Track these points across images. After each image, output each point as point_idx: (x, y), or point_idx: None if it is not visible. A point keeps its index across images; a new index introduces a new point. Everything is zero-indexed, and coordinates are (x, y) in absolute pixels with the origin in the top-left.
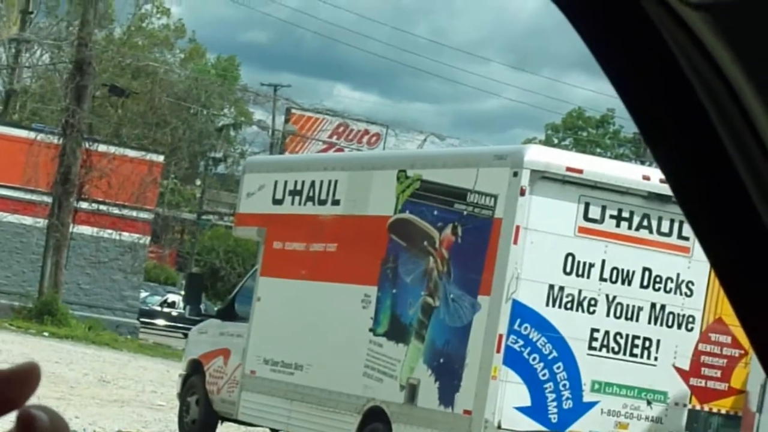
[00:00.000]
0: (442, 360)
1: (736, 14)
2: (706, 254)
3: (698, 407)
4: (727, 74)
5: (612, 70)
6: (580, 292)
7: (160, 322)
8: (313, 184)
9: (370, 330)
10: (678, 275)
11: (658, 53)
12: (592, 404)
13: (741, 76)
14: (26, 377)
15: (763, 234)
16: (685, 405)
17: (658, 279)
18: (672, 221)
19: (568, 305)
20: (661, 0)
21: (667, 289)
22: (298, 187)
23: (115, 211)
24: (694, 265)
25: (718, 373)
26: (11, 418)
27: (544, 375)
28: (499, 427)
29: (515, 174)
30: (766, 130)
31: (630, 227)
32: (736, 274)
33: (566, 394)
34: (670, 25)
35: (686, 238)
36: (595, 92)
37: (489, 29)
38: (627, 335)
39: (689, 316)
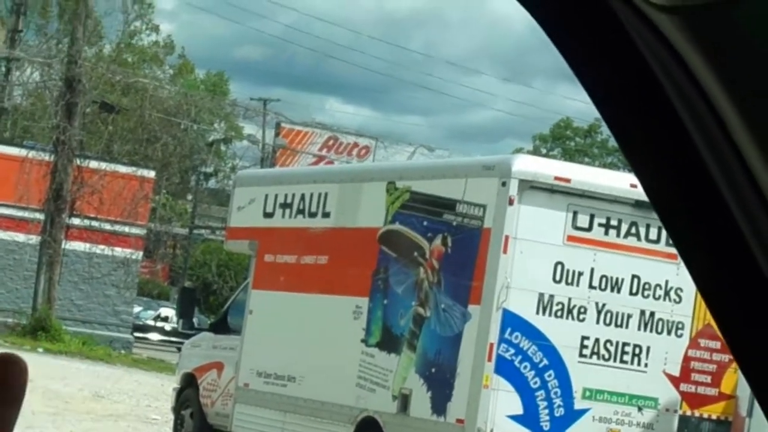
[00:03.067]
0: (433, 369)
1: (704, 16)
2: (685, 262)
3: (689, 413)
4: (699, 78)
5: (585, 76)
6: (569, 300)
7: (154, 336)
8: (303, 196)
9: (362, 341)
10: (666, 282)
11: (629, 58)
12: (583, 411)
13: (712, 79)
14: None
15: (740, 239)
16: (675, 411)
17: (646, 286)
18: (660, 228)
19: (558, 313)
20: (629, 3)
21: (656, 295)
22: (289, 200)
23: (107, 226)
24: (683, 271)
25: (708, 379)
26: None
27: (535, 383)
28: None
29: (503, 184)
30: (739, 133)
31: (618, 235)
32: (715, 282)
33: (558, 401)
34: (641, 28)
35: None
36: (585, 103)
37: (481, 42)
38: (617, 342)
39: (678, 322)
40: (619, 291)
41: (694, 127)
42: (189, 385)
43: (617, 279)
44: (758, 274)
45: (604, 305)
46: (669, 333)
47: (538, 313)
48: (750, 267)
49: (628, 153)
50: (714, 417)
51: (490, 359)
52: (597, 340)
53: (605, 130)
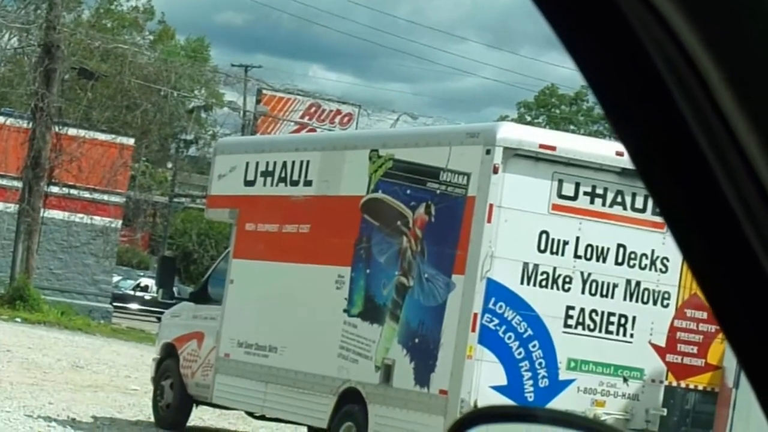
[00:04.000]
0: (417, 340)
1: None
2: (671, 231)
3: (675, 384)
4: (689, 50)
5: (574, 50)
6: (554, 269)
7: (134, 306)
8: (284, 164)
9: (345, 311)
10: (653, 251)
11: (619, 32)
12: (568, 382)
13: (702, 51)
14: None
15: (727, 209)
16: (661, 381)
17: (632, 255)
18: (646, 197)
19: (543, 283)
20: None
21: (642, 265)
22: (270, 168)
23: (86, 194)
24: (669, 240)
25: (695, 349)
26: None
27: (519, 353)
28: (475, 406)
29: (488, 152)
30: (728, 107)
31: (604, 204)
32: (705, 260)
33: (542, 372)
34: (632, 2)
35: None
36: (571, 70)
37: (468, 9)
38: (602, 312)
39: (664, 292)
40: (604, 260)
41: (684, 100)
42: (169, 355)
43: (603, 248)
44: (745, 245)
45: (589, 275)
46: (655, 303)
47: (522, 282)
48: (737, 237)
49: (613, 122)
50: (700, 388)
51: (473, 329)
52: (582, 310)
53: (592, 98)
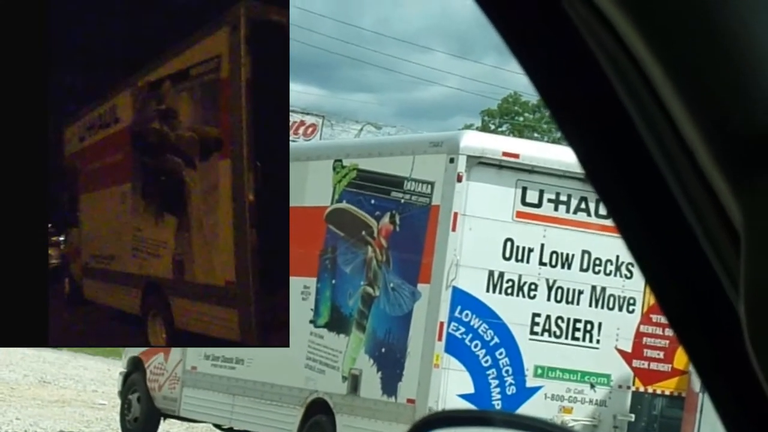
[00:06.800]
0: (383, 350)
1: None
2: (625, 243)
3: (642, 389)
4: (632, 49)
5: (515, 47)
6: (520, 277)
7: None
8: None
9: (311, 322)
10: (617, 257)
11: (567, 38)
12: (535, 389)
13: (643, 47)
14: None
15: (678, 216)
16: (628, 387)
17: (597, 261)
18: None
19: (509, 291)
20: None
21: (607, 271)
22: None
23: None
24: None
25: (661, 355)
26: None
27: (486, 361)
28: None
29: (451, 160)
30: (671, 103)
31: (568, 210)
32: (661, 275)
33: (509, 380)
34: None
35: None
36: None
37: (433, 19)
38: (568, 319)
39: (630, 297)
40: (569, 267)
41: (629, 100)
42: (136, 369)
43: (568, 255)
44: (695, 244)
45: (554, 282)
46: (620, 309)
47: (488, 290)
48: (687, 239)
49: (562, 127)
50: (667, 393)
51: (440, 338)
52: (548, 317)
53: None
